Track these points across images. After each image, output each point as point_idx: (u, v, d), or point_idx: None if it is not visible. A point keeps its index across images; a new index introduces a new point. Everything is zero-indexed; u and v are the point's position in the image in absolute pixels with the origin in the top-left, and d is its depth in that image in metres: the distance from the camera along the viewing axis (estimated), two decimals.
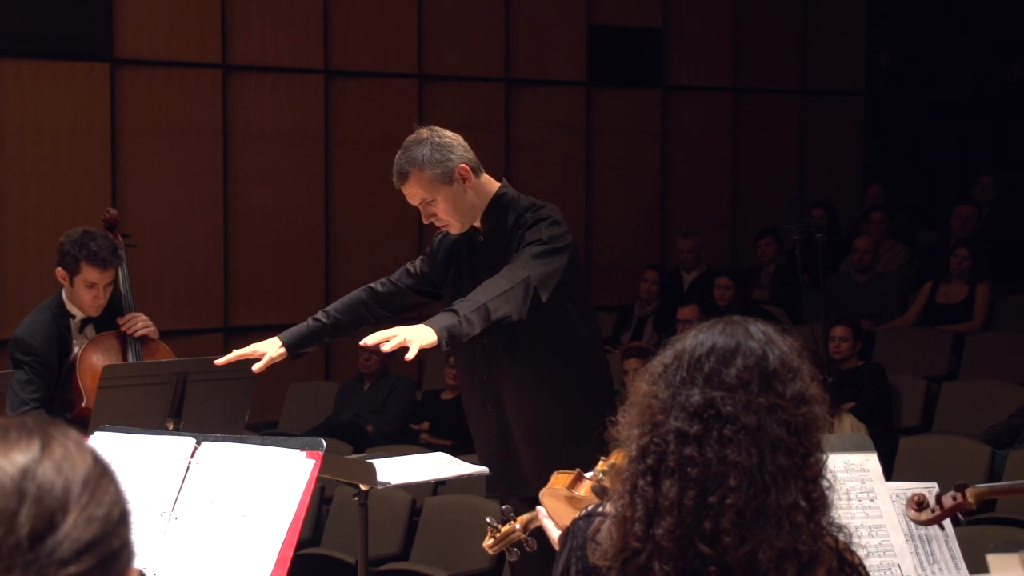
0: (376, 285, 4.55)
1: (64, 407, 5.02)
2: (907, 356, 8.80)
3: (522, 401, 4.36)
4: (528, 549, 3.09)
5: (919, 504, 2.68)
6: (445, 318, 4.05)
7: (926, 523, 2.72)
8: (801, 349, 2.14)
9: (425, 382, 9.45)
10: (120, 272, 5.22)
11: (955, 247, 9.45)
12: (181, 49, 9.14)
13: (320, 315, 4.53)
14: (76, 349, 5.10)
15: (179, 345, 6.41)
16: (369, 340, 3.99)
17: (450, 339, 4.01)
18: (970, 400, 7.81)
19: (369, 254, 9.92)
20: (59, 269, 5.12)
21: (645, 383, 2.12)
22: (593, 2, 10.87)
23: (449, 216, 4.36)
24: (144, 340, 5.19)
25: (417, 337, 3.92)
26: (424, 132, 4.45)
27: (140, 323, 5.17)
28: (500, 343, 4.33)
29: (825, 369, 5.96)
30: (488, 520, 3.12)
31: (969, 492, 2.64)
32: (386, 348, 3.91)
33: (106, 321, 5.18)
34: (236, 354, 4.41)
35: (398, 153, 4.42)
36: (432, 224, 4.46)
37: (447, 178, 4.34)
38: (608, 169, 11.05)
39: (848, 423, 7.24)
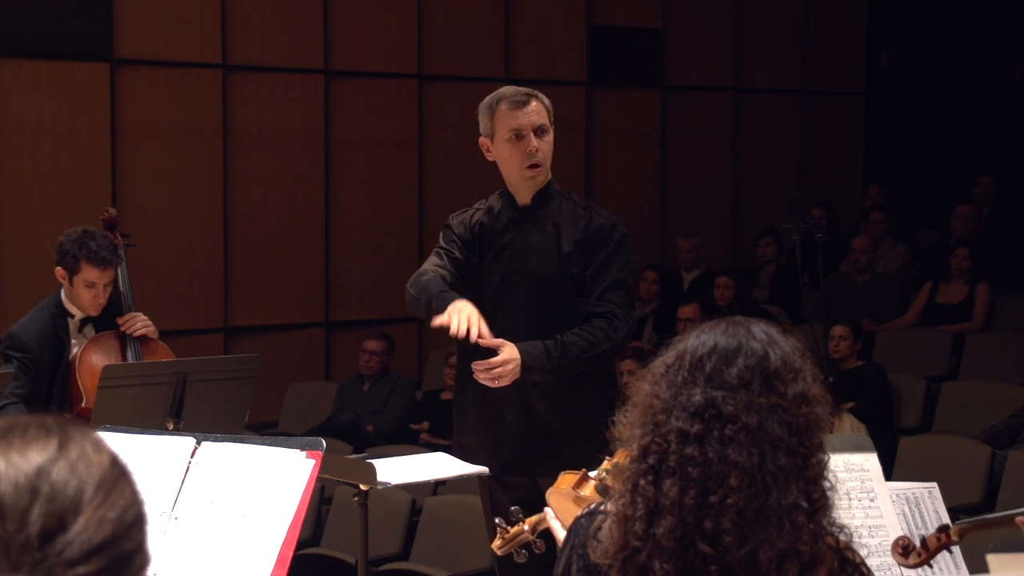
0: (444, 274, 4.48)
1: (63, 407, 5.01)
2: (907, 356, 8.79)
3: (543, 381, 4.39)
4: (536, 551, 3.09)
5: (904, 548, 2.68)
6: (541, 359, 4.27)
7: (914, 567, 2.72)
8: (804, 350, 2.14)
9: (425, 382, 9.45)
10: (119, 272, 5.22)
11: (955, 247, 9.45)
12: (181, 49, 9.14)
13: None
14: (76, 349, 5.10)
15: (179, 345, 6.41)
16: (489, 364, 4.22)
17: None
18: (970, 400, 7.81)
19: (369, 254, 9.92)
20: (58, 268, 5.12)
21: (647, 383, 2.12)
22: (593, 2, 10.87)
23: (547, 155, 4.48)
24: (144, 340, 5.18)
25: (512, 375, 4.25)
26: None
27: (139, 323, 5.17)
28: (520, 321, 4.36)
29: (825, 369, 5.96)
30: (497, 521, 3.12)
31: (953, 530, 2.64)
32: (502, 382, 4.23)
33: (105, 321, 5.18)
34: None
35: (501, 90, 4.53)
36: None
37: (553, 122, 4.52)
38: (608, 169, 11.05)
39: (848, 423, 7.24)
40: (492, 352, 4.26)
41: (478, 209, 4.59)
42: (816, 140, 12.14)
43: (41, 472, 1.41)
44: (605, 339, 4.33)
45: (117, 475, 1.46)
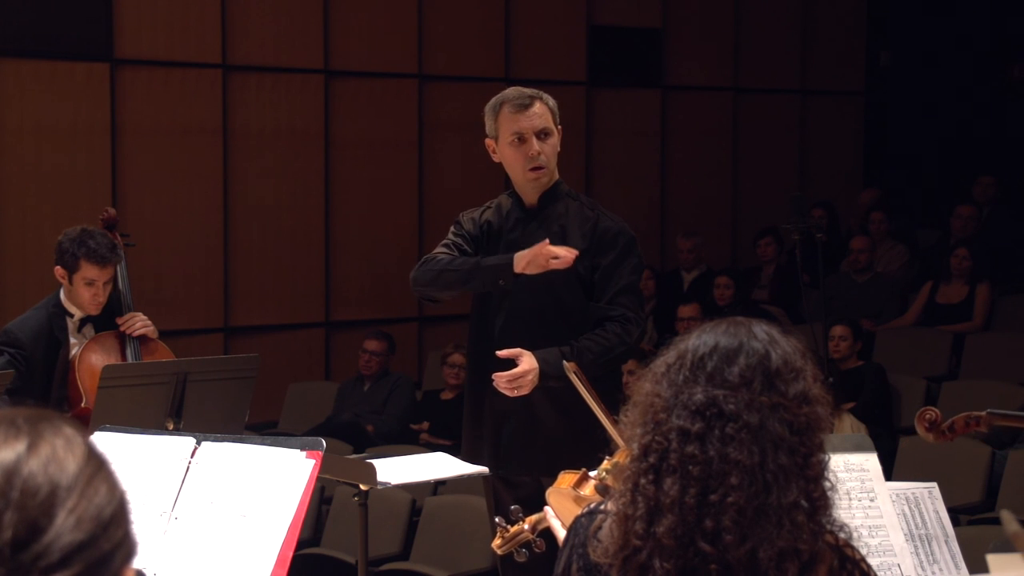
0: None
1: (62, 406, 5.01)
2: (907, 356, 8.79)
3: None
4: (536, 550, 3.10)
5: (931, 423, 2.65)
6: (558, 366, 4.20)
7: (935, 441, 2.69)
8: (804, 350, 2.14)
9: (425, 382, 9.45)
10: (119, 271, 5.22)
11: (955, 247, 9.45)
12: (181, 49, 9.14)
13: None
14: (75, 349, 5.10)
15: (179, 345, 6.41)
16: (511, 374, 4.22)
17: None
18: (970, 400, 7.80)
19: (369, 254, 9.92)
20: (58, 268, 5.12)
21: (648, 382, 2.12)
22: (593, 2, 10.87)
23: (550, 157, 4.49)
24: (143, 340, 5.18)
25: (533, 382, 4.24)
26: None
27: (139, 322, 5.17)
28: (525, 322, 4.37)
29: (825, 369, 5.96)
30: (497, 520, 3.13)
31: (984, 418, 2.62)
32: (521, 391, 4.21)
33: (105, 320, 5.18)
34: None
35: (506, 92, 4.56)
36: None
37: (558, 124, 4.54)
38: (608, 169, 11.05)
39: (848, 423, 7.24)
40: (508, 361, 4.26)
41: (488, 208, 4.64)
42: (816, 140, 12.13)
43: (11, 475, 1.35)
44: (619, 343, 4.36)
45: (92, 472, 1.40)
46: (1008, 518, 1.55)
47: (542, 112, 4.46)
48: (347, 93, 9.80)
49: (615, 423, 3.55)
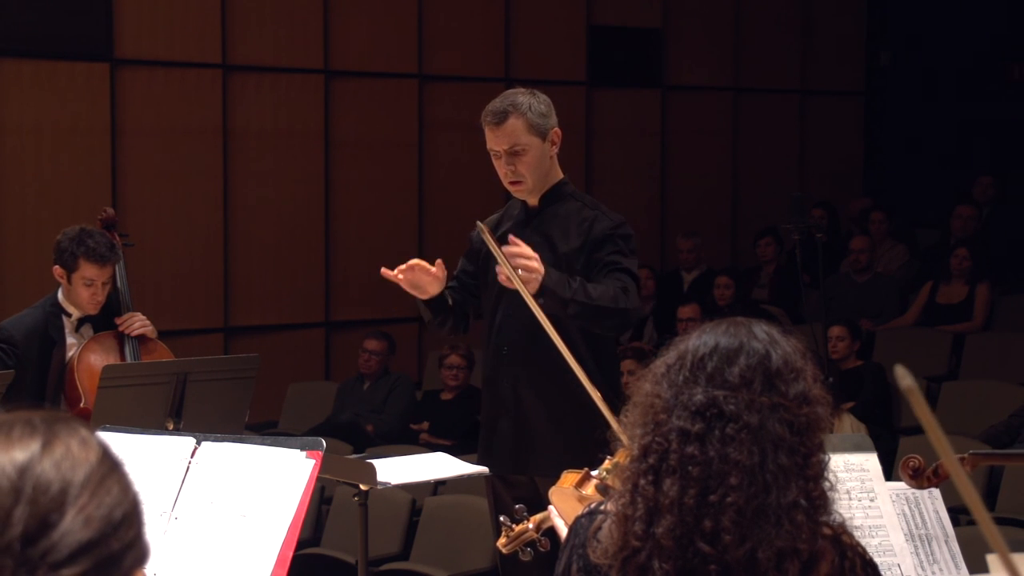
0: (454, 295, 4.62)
1: (58, 406, 4.99)
2: (907, 356, 8.73)
3: (538, 379, 4.39)
4: (541, 549, 3.10)
5: (915, 470, 2.66)
6: (562, 284, 4.14)
7: (920, 488, 2.71)
8: (805, 350, 2.14)
9: (425, 382, 9.45)
10: (117, 271, 5.22)
11: (955, 247, 9.45)
12: (181, 49, 9.14)
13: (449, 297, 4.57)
14: (74, 349, 5.09)
15: (179, 345, 6.40)
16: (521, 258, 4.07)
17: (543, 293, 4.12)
18: (970, 400, 7.81)
19: (369, 254, 9.92)
20: (56, 267, 5.11)
21: (648, 383, 2.13)
22: (593, 2, 10.87)
23: (529, 172, 4.39)
24: (142, 339, 5.18)
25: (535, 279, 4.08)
26: (522, 89, 4.51)
27: (138, 322, 5.17)
28: (519, 320, 4.37)
29: (826, 369, 5.97)
30: (502, 519, 3.13)
31: (967, 459, 2.63)
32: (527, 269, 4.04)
33: (104, 320, 5.18)
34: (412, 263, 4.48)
35: (494, 101, 4.44)
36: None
37: (542, 133, 4.41)
38: (608, 169, 11.05)
39: (848, 423, 7.24)
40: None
41: (500, 212, 4.68)
42: (816, 140, 12.13)
43: (24, 472, 1.38)
44: (613, 300, 4.23)
45: (105, 472, 1.42)
46: (902, 373, 1.53)
47: (513, 129, 4.35)
48: (347, 93, 9.80)
49: (577, 360, 3.55)
